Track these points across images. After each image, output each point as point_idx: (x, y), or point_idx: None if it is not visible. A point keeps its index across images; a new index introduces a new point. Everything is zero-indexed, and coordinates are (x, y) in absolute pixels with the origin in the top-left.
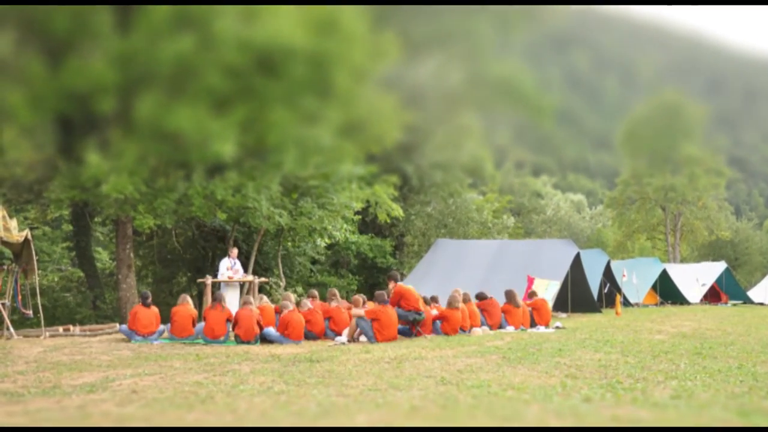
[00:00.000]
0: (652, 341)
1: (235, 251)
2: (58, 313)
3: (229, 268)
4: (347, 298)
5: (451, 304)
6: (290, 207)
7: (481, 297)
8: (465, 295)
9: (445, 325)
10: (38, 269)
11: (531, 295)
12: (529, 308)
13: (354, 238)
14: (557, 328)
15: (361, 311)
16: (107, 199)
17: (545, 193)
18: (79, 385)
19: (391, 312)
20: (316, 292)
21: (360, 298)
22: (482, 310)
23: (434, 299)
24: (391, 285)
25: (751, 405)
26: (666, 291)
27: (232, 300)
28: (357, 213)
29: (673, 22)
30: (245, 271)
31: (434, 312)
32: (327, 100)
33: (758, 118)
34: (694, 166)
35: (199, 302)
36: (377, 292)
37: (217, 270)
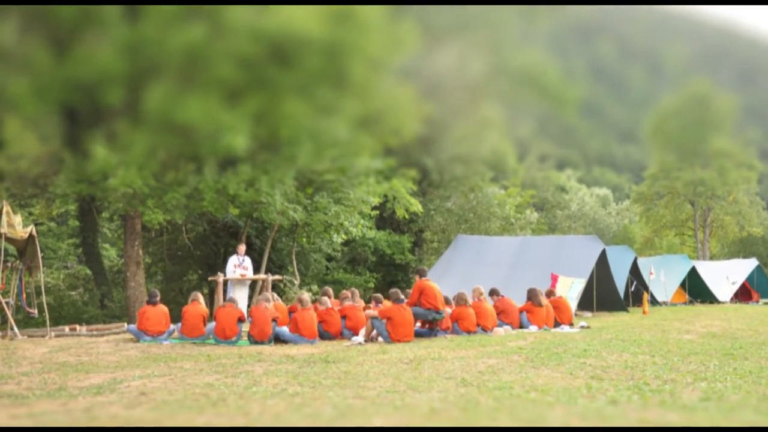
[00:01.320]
0: (680, 341)
1: (243, 248)
2: (63, 312)
3: (237, 265)
4: (364, 297)
5: (459, 302)
6: (305, 202)
7: (494, 293)
8: (475, 290)
9: (462, 323)
10: (43, 267)
11: (549, 294)
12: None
13: (371, 234)
14: (582, 327)
15: (374, 311)
16: (115, 193)
17: (570, 187)
18: (85, 386)
19: (405, 311)
20: (330, 291)
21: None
22: (497, 313)
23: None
24: (416, 278)
25: None
26: (695, 289)
27: (241, 299)
28: (374, 208)
29: (702, 11)
30: (258, 269)
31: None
32: (343, 91)
33: None
34: (725, 159)
35: (210, 301)
36: (391, 290)
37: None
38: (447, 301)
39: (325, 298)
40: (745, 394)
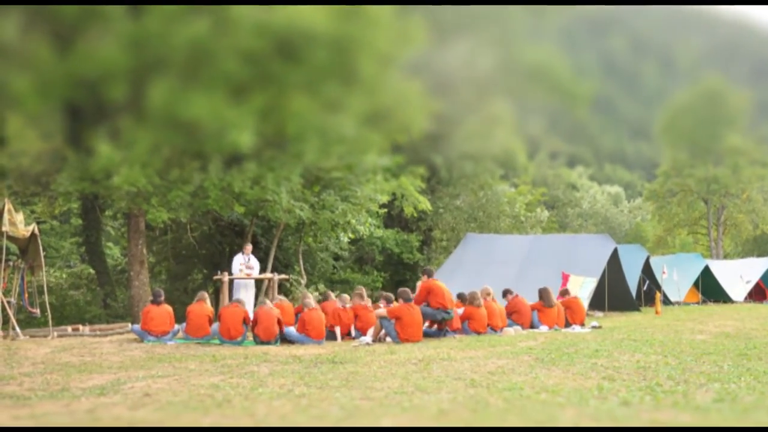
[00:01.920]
0: (693, 342)
1: (249, 247)
2: (66, 312)
3: (243, 264)
4: (371, 297)
5: (471, 302)
6: (312, 200)
7: (508, 293)
8: (483, 290)
9: (472, 323)
10: (46, 266)
11: (563, 293)
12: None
13: (379, 232)
14: (593, 327)
15: (383, 311)
16: (118, 191)
17: (581, 185)
18: (88, 387)
19: (414, 311)
20: (330, 294)
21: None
22: (510, 313)
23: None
24: (423, 278)
25: None
26: (708, 288)
27: (248, 300)
28: (382, 206)
29: (716, 5)
30: (264, 268)
31: (460, 311)
32: (350, 87)
33: None
34: (738, 156)
35: (215, 300)
36: (401, 289)
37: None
38: (462, 299)
39: (309, 300)
40: (760, 395)
